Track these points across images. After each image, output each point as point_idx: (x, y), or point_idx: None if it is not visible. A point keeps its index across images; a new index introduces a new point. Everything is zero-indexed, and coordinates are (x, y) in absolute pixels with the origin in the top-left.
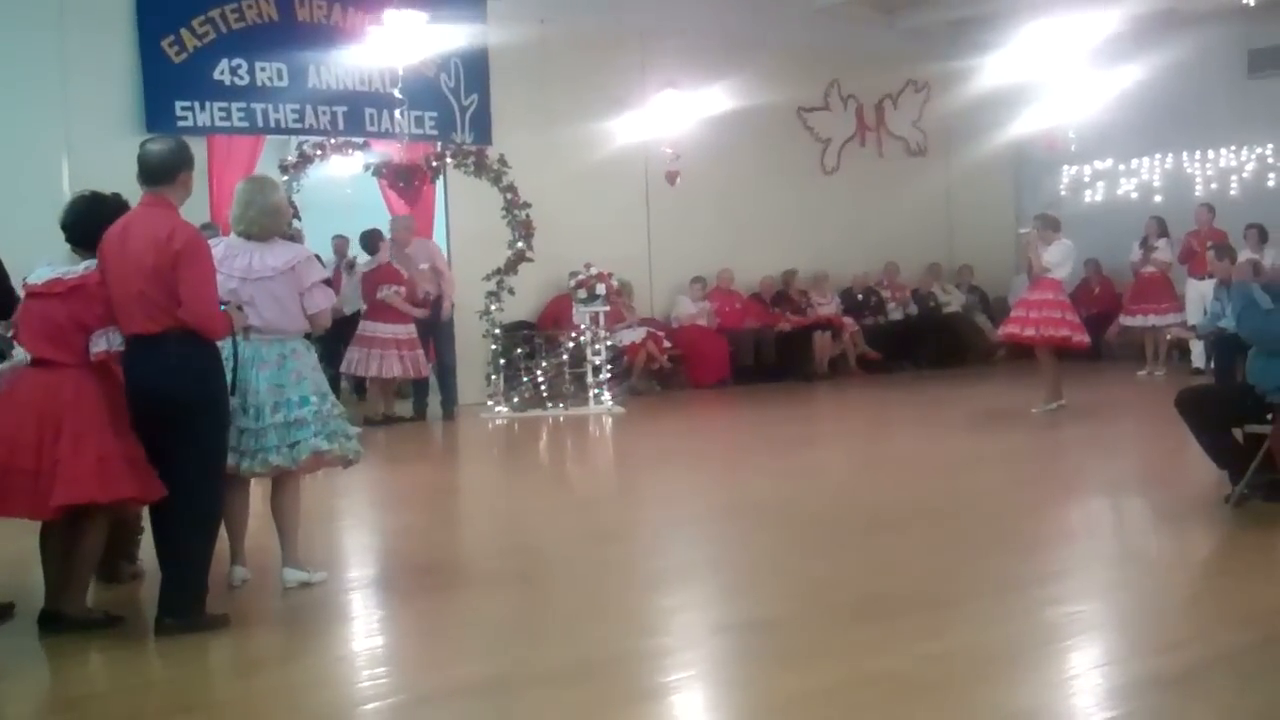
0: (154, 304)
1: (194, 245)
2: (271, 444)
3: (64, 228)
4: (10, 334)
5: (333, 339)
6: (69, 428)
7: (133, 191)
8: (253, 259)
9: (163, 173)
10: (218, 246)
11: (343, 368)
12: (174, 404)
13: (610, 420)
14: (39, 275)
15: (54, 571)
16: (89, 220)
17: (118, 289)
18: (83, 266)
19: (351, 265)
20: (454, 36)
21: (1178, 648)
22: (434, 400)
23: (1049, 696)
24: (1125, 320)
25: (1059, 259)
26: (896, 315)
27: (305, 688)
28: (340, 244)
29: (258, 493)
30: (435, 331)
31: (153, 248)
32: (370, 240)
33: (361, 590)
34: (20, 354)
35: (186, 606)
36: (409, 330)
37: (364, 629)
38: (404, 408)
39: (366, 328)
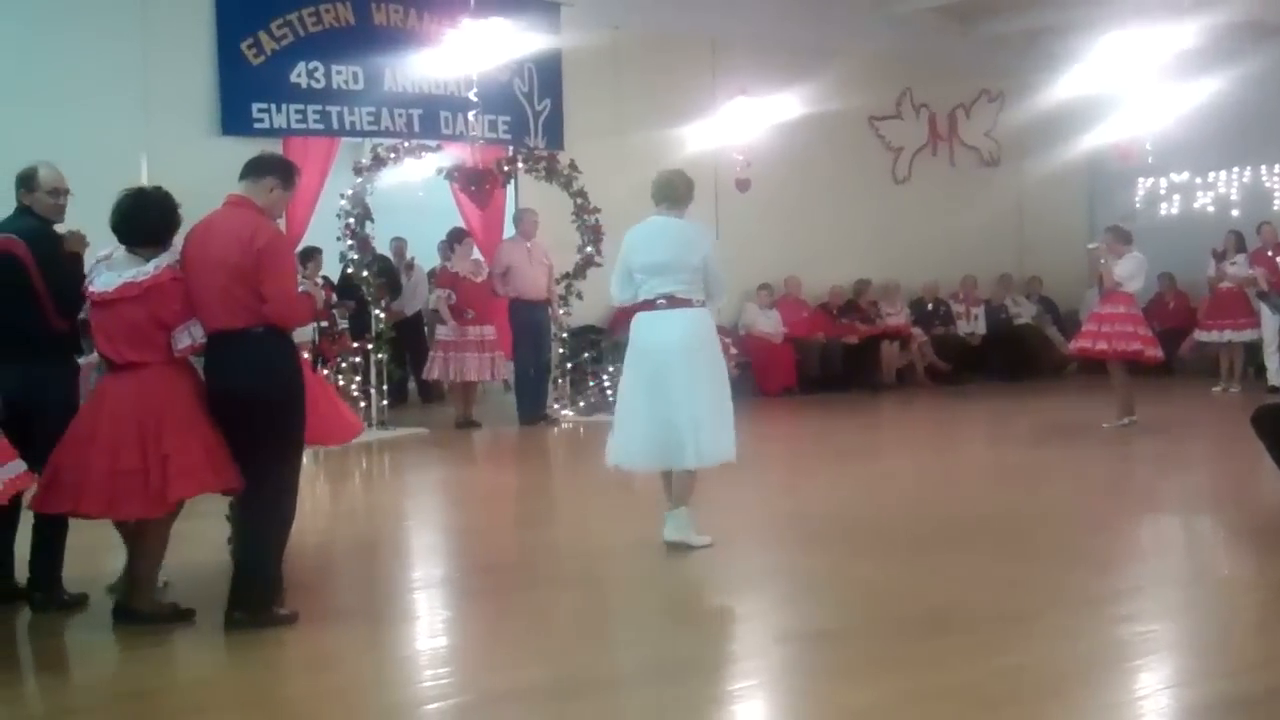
0: (236, 301)
1: (276, 243)
2: None
3: (115, 229)
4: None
5: (399, 340)
6: (170, 422)
7: (211, 192)
8: None
9: (252, 169)
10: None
11: (429, 374)
12: (255, 401)
13: None
14: (106, 282)
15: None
16: (137, 217)
17: (199, 285)
18: (152, 266)
19: (411, 266)
20: (528, 42)
21: (1251, 670)
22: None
23: (1118, 716)
24: (1200, 335)
25: (1130, 272)
26: (967, 328)
27: (369, 686)
28: (399, 246)
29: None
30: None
31: (236, 246)
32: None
33: (427, 590)
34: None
35: (259, 602)
36: (483, 332)
37: (428, 629)
38: (479, 412)
39: (442, 332)
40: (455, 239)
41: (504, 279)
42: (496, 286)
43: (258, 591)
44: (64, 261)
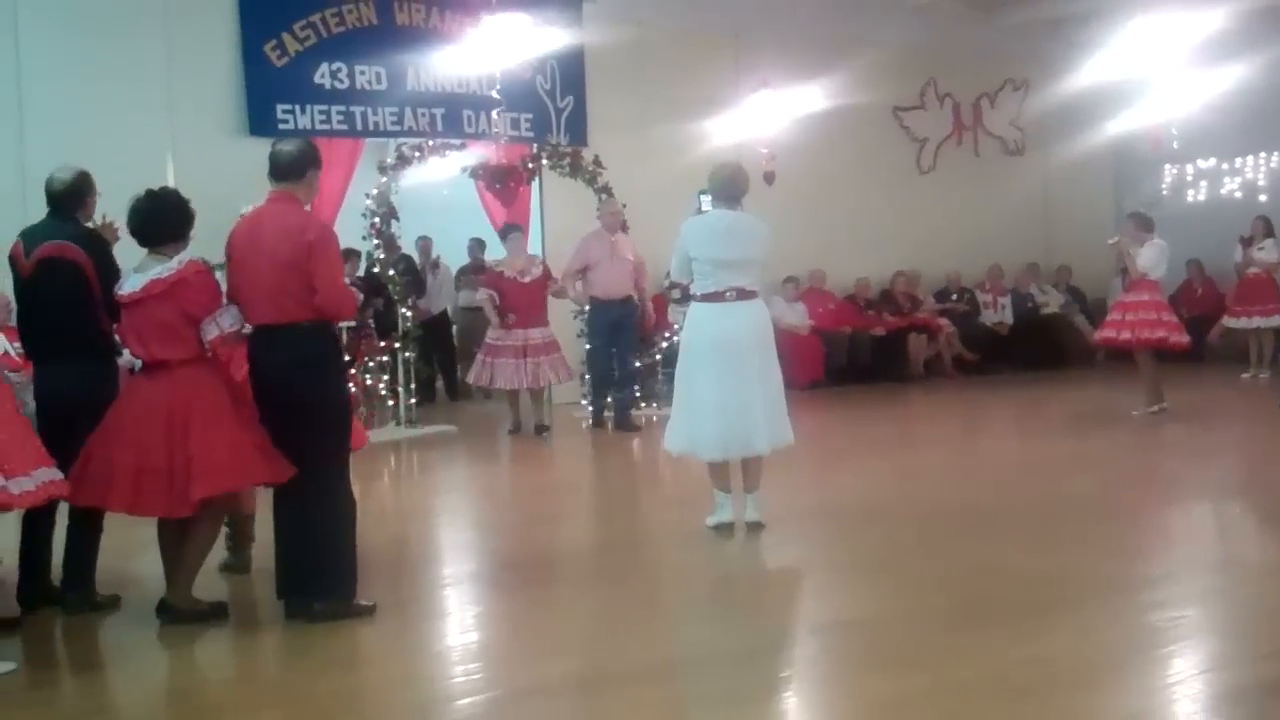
0: (286, 294)
1: (325, 236)
2: None
3: (135, 233)
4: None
5: (426, 339)
6: (197, 422)
7: (237, 193)
8: None
9: (292, 170)
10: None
11: (469, 378)
12: (302, 395)
13: None
14: (132, 284)
15: (170, 561)
16: (156, 218)
17: (247, 281)
18: (175, 261)
19: (436, 265)
20: (550, 38)
21: None
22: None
23: (1151, 703)
24: (1229, 321)
25: (1153, 261)
26: (994, 318)
27: (401, 682)
28: (425, 245)
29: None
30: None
31: (286, 240)
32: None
33: (457, 586)
34: (128, 356)
35: (341, 592)
36: (526, 336)
37: (459, 625)
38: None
39: (489, 334)
40: (504, 234)
41: (582, 277)
42: (569, 287)
43: (337, 582)
44: (114, 264)
